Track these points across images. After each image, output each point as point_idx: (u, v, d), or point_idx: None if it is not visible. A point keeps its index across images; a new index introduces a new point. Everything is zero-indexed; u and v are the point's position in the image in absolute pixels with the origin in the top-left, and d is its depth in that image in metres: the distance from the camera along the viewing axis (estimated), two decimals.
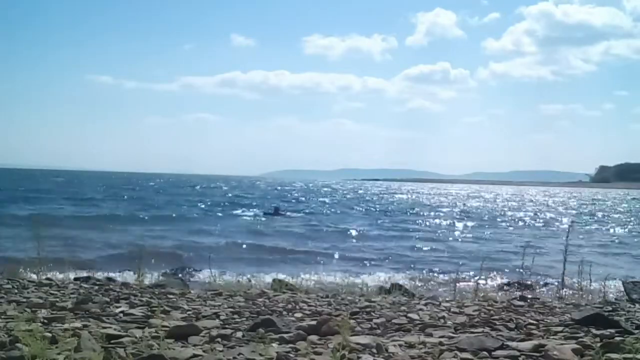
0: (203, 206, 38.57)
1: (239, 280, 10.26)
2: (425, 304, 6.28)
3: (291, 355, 3.78)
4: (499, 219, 37.20)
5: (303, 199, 58.04)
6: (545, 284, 11.83)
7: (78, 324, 4.43)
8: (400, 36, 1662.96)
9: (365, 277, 12.71)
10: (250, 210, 36.67)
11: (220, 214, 33.36)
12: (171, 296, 6.43)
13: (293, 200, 52.69)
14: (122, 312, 5.16)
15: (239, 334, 4.38)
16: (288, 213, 34.75)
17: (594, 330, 4.59)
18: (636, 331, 4.57)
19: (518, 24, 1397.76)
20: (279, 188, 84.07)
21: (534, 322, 5.13)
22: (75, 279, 8.37)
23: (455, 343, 4.07)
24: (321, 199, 57.70)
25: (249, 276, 11.61)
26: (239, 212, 35.21)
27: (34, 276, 7.81)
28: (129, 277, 9.89)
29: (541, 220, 37.02)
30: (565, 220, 35.01)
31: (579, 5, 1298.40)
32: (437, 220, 34.91)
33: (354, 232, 26.21)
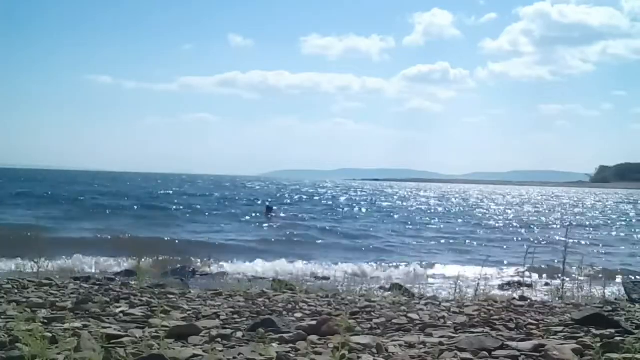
0: (199, 206, 38.46)
1: (239, 280, 10.28)
2: (425, 304, 6.28)
3: (291, 355, 3.78)
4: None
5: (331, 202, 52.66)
6: (546, 284, 11.83)
7: (78, 324, 4.42)
8: (398, 36, 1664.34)
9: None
10: (246, 209, 36.60)
11: (216, 213, 33.29)
12: (171, 296, 6.43)
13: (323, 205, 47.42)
14: (122, 312, 5.16)
15: (239, 334, 4.38)
16: (281, 212, 34.74)
17: (594, 330, 4.59)
18: (636, 331, 4.56)
19: (515, 24, 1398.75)
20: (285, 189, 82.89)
21: (534, 322, 5.13)
22: (75, 279, 8.37)
23: (455, 343, 4.07)
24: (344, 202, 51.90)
25: (249, 276, 11.63)
26: (235, 211, 35.14)
27: (34, 276, 7.81)
28: (129, 276, 9.90)
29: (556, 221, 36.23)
30: (567, 220, 34.83)
31: (575, 5, 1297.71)
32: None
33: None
